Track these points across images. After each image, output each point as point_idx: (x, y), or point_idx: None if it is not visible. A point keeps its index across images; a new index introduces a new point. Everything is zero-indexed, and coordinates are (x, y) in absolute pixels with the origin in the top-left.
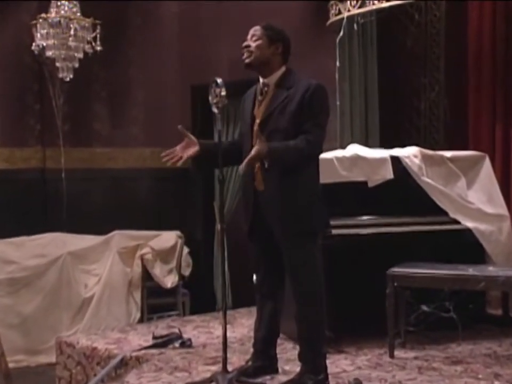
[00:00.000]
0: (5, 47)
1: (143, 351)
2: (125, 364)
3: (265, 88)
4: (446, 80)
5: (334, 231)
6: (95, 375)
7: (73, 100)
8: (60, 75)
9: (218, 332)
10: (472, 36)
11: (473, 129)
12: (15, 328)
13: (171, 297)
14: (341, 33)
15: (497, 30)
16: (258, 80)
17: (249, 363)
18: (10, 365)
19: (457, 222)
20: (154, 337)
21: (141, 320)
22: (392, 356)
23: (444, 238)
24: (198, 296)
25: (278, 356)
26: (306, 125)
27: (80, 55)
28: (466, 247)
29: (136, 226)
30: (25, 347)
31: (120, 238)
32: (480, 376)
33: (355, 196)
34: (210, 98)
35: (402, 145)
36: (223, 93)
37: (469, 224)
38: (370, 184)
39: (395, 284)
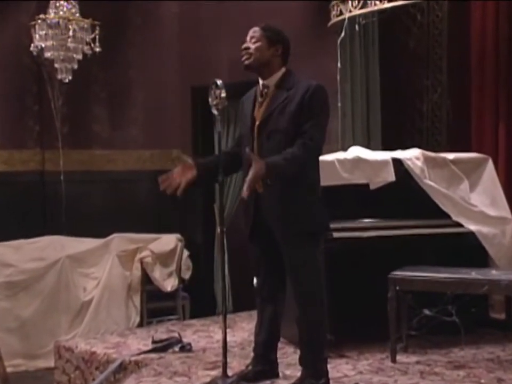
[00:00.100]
0: (3, 48)
1: (142, 356)
2: (124, 369)
3: (265, 90)
4: (449, 81)
5: (335, 234)
6: (93, 379)
7: (72, 101)
8: (59, 76)
9: (219, 336)
10: (475, 36)
11: (476, 131)
12: (13, 332)
13: (171, 301)
14: (343, 34)
15: (500, 30)
16: (258, 82)
17: (250, 368)
18: (9, 369)
19: (460, 225)
20: (153, 342)
21: (140, 324)
22: (394, 360)
23: (447, 241)
24: (198, 299)
25: (279, 360)
26: (306, 126)
27: (79, 56)
28: (469, 250)
29: (135, 229)
30: (24, 351)
31: (120, 241)
32: (482, 381)
33: (356, 198)
34: (210, 99)
35: (405, 147)
36: (223, 95)
37: (472, 227)
38: (372, 187)
39: (397, 288)
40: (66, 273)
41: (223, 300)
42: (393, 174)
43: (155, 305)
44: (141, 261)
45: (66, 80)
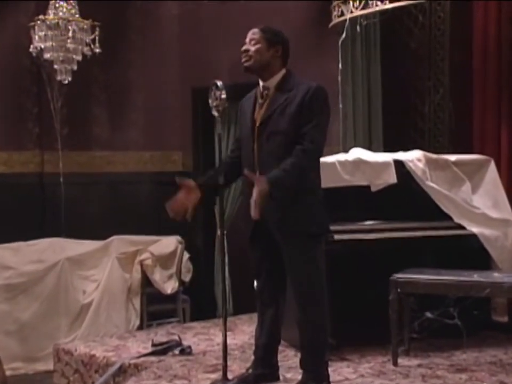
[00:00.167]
0: (2, 49)
1: (142, 359)
2: (123, 372)
3: (266, 92)
4: (451, 83)
5: (337, 236)
6: (93, 383)
7: (72, 102)
8: (58, 77)
9: (219, 338)
10: (477, 37)
11: (478, 132)
12: (12, 335)
13: (171, 304)
14: (344, 35)
15: (502, 30)
16: (258, 84)
17: (250, 371)
18: (8, 373)
19: (462, 227)
20: (153, 345)
21: (140, 327)
22: (395, 363)
23: (449, 243)
24: (198, 302)
25: (279, 363)
26: (306, 127)
27: (79, 57)
28: (471, 252)
29: (135, 231)
30: (23, 354)
31: (119, 243)
32: None
33: (358, 200)
34: (210, 101)
35: (406, 149)
36: (224, 96)
37: (474, 229)
38: (373, 189)
39: (398, 290)
40: (65, 275)
41: (224, 302)
42: (394, 175)
43: (155, 307)
44: (141, 263)
45: (66, 81)
